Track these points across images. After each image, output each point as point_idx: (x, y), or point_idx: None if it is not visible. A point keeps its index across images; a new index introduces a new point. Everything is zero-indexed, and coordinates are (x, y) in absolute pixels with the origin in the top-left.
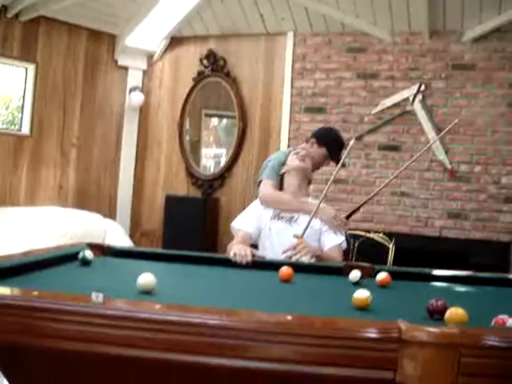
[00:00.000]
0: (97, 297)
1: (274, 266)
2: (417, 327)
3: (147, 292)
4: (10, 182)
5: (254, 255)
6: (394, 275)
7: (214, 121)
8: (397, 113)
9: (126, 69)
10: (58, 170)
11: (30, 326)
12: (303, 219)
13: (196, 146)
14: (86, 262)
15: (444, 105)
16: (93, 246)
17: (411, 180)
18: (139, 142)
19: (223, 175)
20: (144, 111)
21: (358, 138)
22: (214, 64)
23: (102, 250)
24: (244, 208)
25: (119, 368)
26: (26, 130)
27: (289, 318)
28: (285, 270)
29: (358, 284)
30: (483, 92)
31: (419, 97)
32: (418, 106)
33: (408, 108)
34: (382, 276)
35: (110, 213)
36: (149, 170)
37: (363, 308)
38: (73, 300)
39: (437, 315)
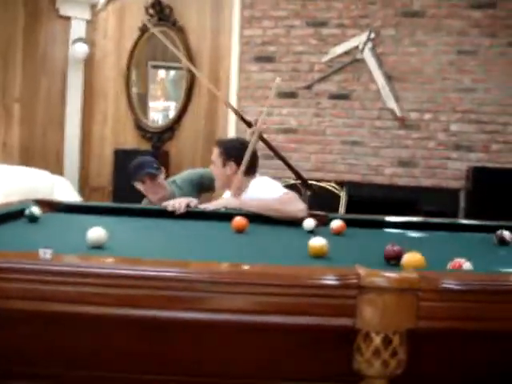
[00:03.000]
0: (44, 253)
1: (228, 216)
2: (376, 272)
3: (98, 246)
4: None
5: (190, 206)
6: (348, 223)
7: (161, 72)
8: (347, 61)
9: (68, 19)
10: (1, 126)
11: None
12: None
13: (144, 99)
14: (33, 219)
15: (394, 52)
16: (41, 202)
17: (362, 129)
18: (85, 96)
19: (172, 127)
20: (89, 63)
21: (308, 87)
22: (161, 13)
23: (50, 206)
24: (193, 160)
25: (71, 326)
26: None
27: (245, 267)
28: (238, 220)
29: (312, 232)
30: (433, 40)
31: (369, 45)
32: (367, 54)
33: (358, 56)
34: (337, 224)
35: (58, 169)
36: (96, 124)
37: (320, 256)
38: (19, 257)
39: (393, 260)
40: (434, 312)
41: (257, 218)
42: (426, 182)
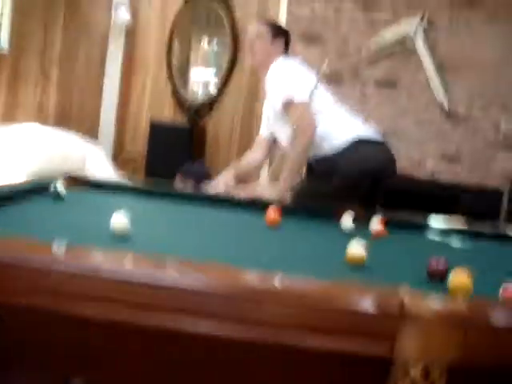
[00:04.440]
0: (58, 247)
1: (262, 205)
2: (420, 301)
3: (121, 236)
4: None
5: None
6: (388, 223)
7: (205, 44)
8: (396, 47)
9: None
10: (38, 89)
11: None
12: None
13: (184, 70)
14: (58, 197)
15: (446, 41)
16: (69, 178)
17: (406, 119)
18: (125, 64)
19: (211, 103)
20: (131, 31)
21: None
22: None
23: (78, 181)
24: (231, 138)
25: (81, 328)
26: (4, 46)
27: (277, 284)
28: (271, 215)
29: (350, 234)
30: (489, 29)
31: (421, 32)
32: (419, 42)
33: (409, 43)
34: (377, 228)
35: (92, 135)
36: (134, 93)
37: (358, 264)
38: (30, 251)
39: (437, 277)
40: (481, 349)
41: (292, 211)
42: (469, 180)
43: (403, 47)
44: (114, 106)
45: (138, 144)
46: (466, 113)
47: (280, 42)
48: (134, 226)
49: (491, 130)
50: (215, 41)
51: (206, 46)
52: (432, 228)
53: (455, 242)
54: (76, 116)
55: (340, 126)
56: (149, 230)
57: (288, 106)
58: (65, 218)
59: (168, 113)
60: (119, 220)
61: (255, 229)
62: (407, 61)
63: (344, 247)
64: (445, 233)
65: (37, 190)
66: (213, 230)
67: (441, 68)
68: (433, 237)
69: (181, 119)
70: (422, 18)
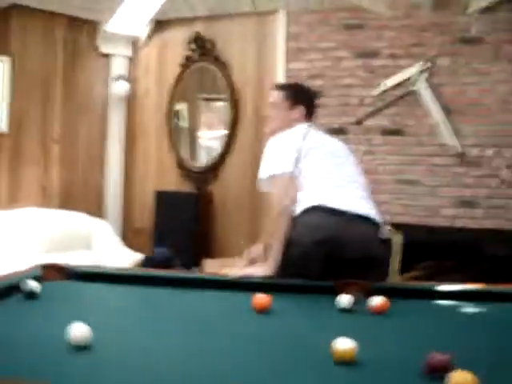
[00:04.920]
0: None
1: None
2: None
3: (80, 347)
4: None
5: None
6: (394, 292)
7: (204, 108)
8: (400, 94)
9: (108, 56)
10: (40, 168)
11: None
12: None
13: (186, 135)
14: (31, 294)
15: (450, 83)
16: (50, 269)
17: (417, 166)
18: (127, 134)
19: (216, 166)
20: (130, 101)
21: (358, 123)
22: (202, 48)
23: (61, 272)
24: (239, 201)
25: None
26: (3, 127)
27: None
28: (259, 300)
29: (348, 311)
30: (493, 68)
31: (424, 75)
32: (422, 86)
33: (412, 88)
34: (378, 302)
35: (99, 211)
36: (138, 163)
37: (346, 361)
38: None
39: (437, 373)
40: None
41: (284, 291)
42: (489, 224)
43: (406, 92)
44: (118, 179)
45: (146, 215)
46: (478, 155)
47: (298, 110)
48: (100, 332)
49: (506, 170)
50: (215, 104)
51: (206, 109)
52: (442, 293)
53: (469, 309)
54: (80, 193)
55: (308, 193)
56: (118, 338)
57: (271, 180)
58: (28, 323)
59: (173, 180)
60: (77, 330)
61: (238, 316)
62: (412, 107)
63: (338, 332)
64: (457, 297)
65: (10, 288)
66: (193, 320)
67: (447, 111)
68: (442, 303)
69: (186, 186)
70: (423, 61)
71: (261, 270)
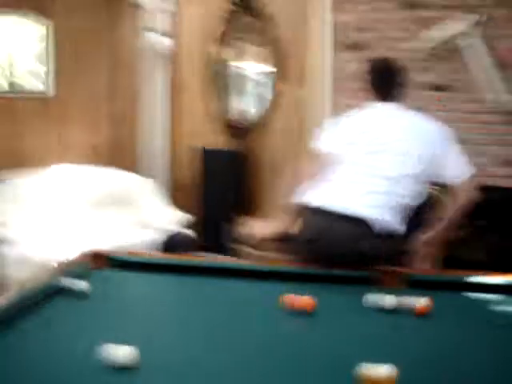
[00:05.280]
0: None
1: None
2: None
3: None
4: (41, 145)
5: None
6: (435, 285)
7: (248, 61)
8: (452, 48)
9: (150, 12)
10: (89, 128)
11: None
12: None
13: (230, 93)
14: (82, 295)
15: (509, 37)
16: (94, 258)
17: (466, 124)
18: (171, 91)
19: (263, 123)
20: (173, 57)
21: None
22: (245, 1)
23: (103, 260)
24: (285, 160)
25: None
26: (51, 90)
27: None
28: (302, 302)
29: (393, 312)
30: None
31: (479, 29)
32: (476, 40)
33: (465, 43)
34: (421, 303)
35: (147, 168)
36: (184, 119)
37: None
38: None
39: None
40: None
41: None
42: None
43: (459, 46)
44: (165, 135)
45: (192, 173)
46: None
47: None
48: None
49: None
50: (259, 57)
51: (249, 62)
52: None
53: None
54: (129, 150)
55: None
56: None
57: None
58: (73, 331)
59: (219, 137)
60: (121, 354)
61: (265, 321)
62: (463, 61)
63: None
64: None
65: (59, 290)
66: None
67: (501, 66)
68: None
69: (232, 143)
70: (479, 15)
71: (272, 226)
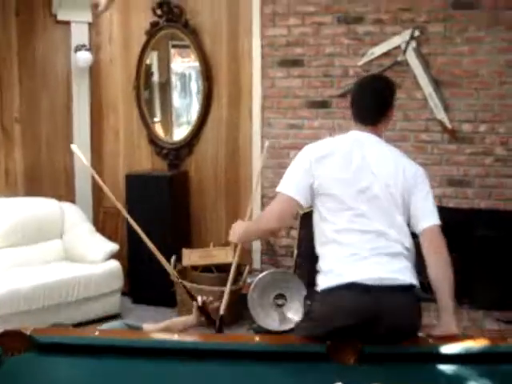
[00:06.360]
0: None
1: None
2: None
3: None
4: None
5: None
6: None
7: (175, 80)
8: (387, 64)
9: (67, 23)
10: (1, 152)
11: None
12: None
13: (157, 109)
14: None
15: (442, 53)
16: (12, 337)
17: (405, 143)
18: (92, 109)
19: (190, 142)
20: (94, 72)
21: (343, 95)
22: (170, 13)
23: (23, 341)
24: (215, 179)
25: None
26: None
27: None
28: None
29: None
30: (488, 36)
31: (413, 44)
32: (411, 56)
33: (400, 58)
34: None
35: (68, 194)
36: (107, 139)
37: None
38: None
39: None
40: None
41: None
42: (481, 204)
43: (394, 62)
44: (87, 156)
45: (119, 195)
46: (470, 130)
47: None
48: None
49: (500, 147)
50: (186, 73)
51: (179, 81)
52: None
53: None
54: (48, 175)
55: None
56: None
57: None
58: None
59: (145, 158)
60: None
61: None
62: (400, 78)
63: None
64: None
65: None
66: None
67: (437, 83)
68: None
69: (159, 163)
70: (413, 29)
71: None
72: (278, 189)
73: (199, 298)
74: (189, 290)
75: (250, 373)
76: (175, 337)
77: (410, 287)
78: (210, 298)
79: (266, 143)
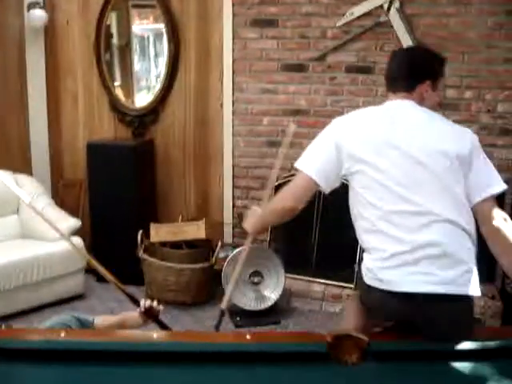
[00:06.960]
0: None
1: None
2: None
3: None
4: None
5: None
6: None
7: (139, 41)
8: (368, 25)
9: None
10: None
11: None
12: None
13: (120, 72)
14: None
15: (427, 14)
16: None
17: None
18: (48, 73)
19: (156, 109)
20: (50, 32)
21: (321, 58)
22: None
23: None
24: (184, 148)
25: None
26: None
27: None
28: None
29: None
30: None
31: (396, 4)
32: (394, 16)
33: (382, 19)
34: None
35: (24, 165)
36: (65, 106)
37: None
38: None
39: None
40: None
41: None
42: None
43: (376, 23)
44: (44, 124)
45: (79, 165)
46: (456, 97)
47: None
48: None
49: (486, 114)
50: (152, 36)
51: (140, 44)
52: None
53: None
54: (1, 146)
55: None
56: None
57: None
58: None
59: (107, 127)
60: None
61: None
62: (382, 40)
63: None
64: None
65: None
66: None
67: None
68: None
69: (122, 131)
70: None
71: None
72: (296, 164)
73: (142, 303)
74: (130, 294)
75: (249, 374)
76: (154, 337)
77: (464, 298)
78: (155, 303)
79: (292, 128)
